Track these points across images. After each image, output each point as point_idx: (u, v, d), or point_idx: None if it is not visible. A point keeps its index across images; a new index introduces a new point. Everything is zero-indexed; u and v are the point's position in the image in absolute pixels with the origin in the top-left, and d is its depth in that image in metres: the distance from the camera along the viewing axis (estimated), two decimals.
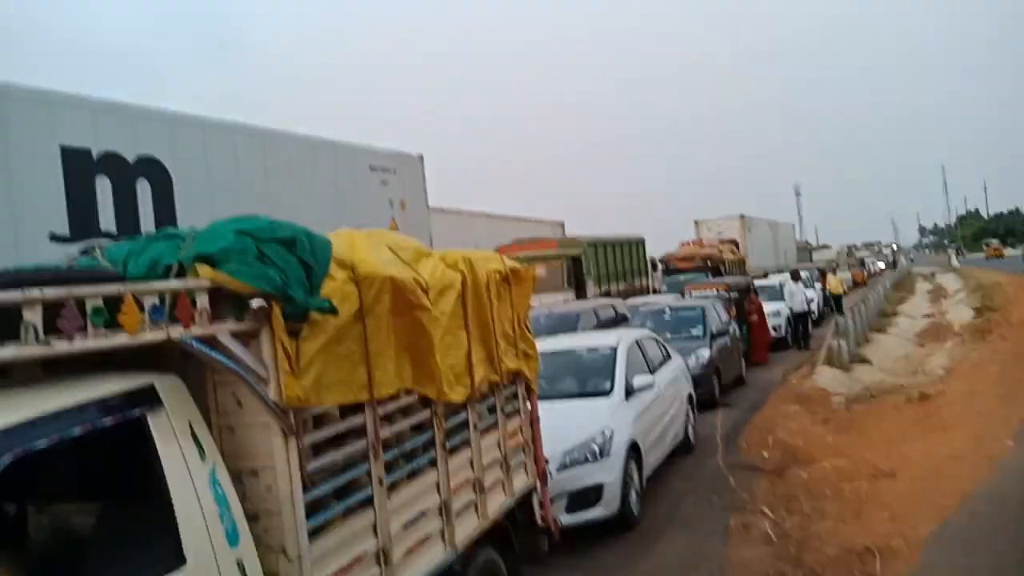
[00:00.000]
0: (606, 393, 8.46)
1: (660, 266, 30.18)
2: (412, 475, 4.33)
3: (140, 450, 2.97)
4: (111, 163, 6.34)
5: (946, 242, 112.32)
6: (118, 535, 3.01)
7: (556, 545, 6.24)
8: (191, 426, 3.17)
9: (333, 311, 3.62)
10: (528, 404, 5.98)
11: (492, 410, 5.38)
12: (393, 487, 4.11)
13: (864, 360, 16.92)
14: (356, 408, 3.90)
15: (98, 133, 6.26)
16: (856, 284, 43.52)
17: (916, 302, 34.26)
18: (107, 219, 6.23)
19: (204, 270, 3.27)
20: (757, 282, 22.60)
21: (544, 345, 8.64)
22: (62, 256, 4.17)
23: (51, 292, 2.69)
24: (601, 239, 25.81)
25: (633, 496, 7.83)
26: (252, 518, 3.29)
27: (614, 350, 9.04)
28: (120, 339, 2.88)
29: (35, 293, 2.65)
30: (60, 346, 2.70)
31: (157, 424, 3.03)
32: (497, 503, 5.23)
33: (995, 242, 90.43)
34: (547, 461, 6.33)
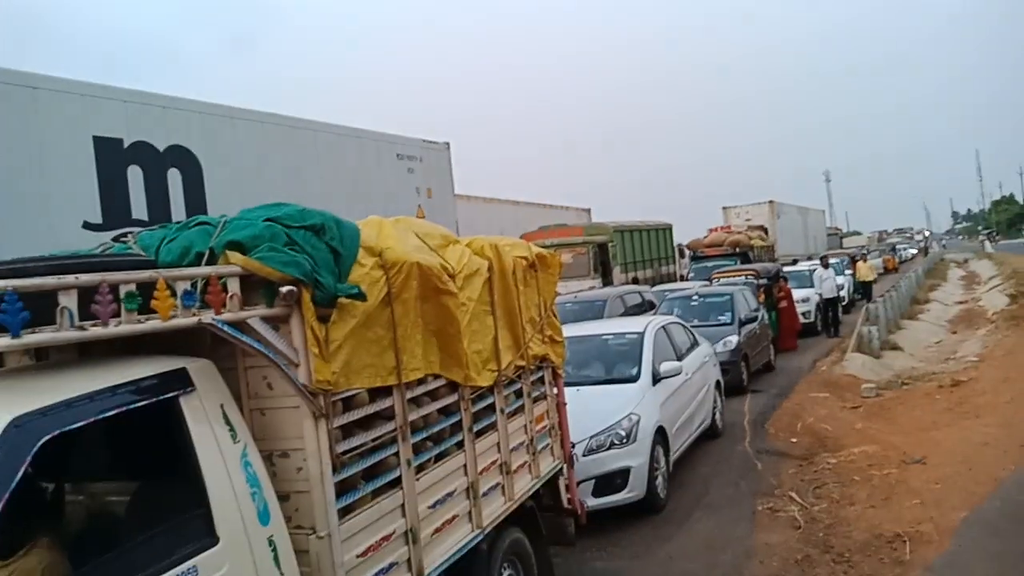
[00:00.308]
0: (633, 379, 8.47)
1: (688, 253, 30.03)
2: (440, 457, 4.39)
3: (173, 431, 3.05)
4: (142, 152, 6.44)
5: (979, 228, 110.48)
6: (152, 513, 3.08)
7: (583, 528, 6.28)
8: (223, 408, 3.24)
9: (361, 297, 3.67)
10: (555, 389, 6.01)
11: (519, 394, 5.42)
12: (421, 469, 4.17)
13: (895, 347, 16.77)
14: (385, 391, 3.95)
15: (129, 123, 6.36)
16: (887, 271, 42.97)
17: (949, 289, 33.83)
18: (139, 207, 6.34)
19: (235, 257, 3.34)
20: (786, 268, 22.40)
21: (571, 331, 8.67)
22: (95, 244, 4.25)
23: (86, 278, 2.76)
24: (628, 225, 25.73)
25: (660, 480, 7.85)
26: (283, 498, 3.37)
27: (641, 336, 9.04)
28: (153, 324, 2.95)
29: (70, 279, 2.72)
30: (95, 330, 2.77)
31: (190, 406, 3.10)
32: (523, 485, 5.28)
33: None
34: (573, 445, 6.38)
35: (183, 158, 6.81)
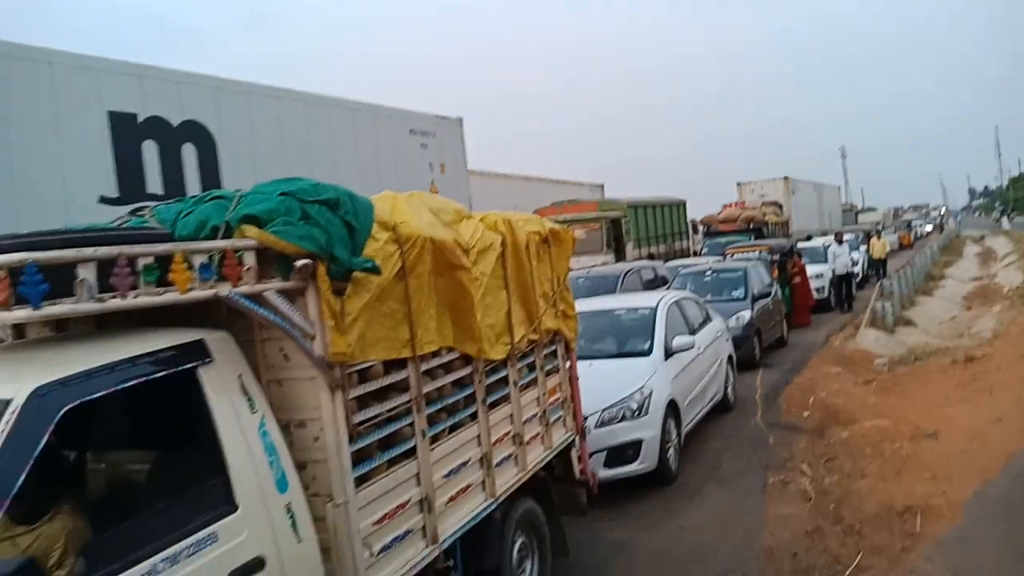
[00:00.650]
0: (646, 353, 8.51)
1: (701, 228, 29.93)
2: (454, 428, 4.45)
3: (192, 401, 3.11)
4: (157, 127, 6.47)
5: (997, 204, 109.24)
6: (172, 481, 3.15)
7: (594, 498, 6.36)
8: (241, 379, 3.29)
9: (376, 270, 3.71)
10: (567, 362, 6.05)
11: (531, 368, 5.46)
12: (435, 439, 4.23)
13: (909, 323, 16.70)
14: (400, 364, 4.00)
15: (144, 98, 6.39)
16: (902, 247, 42.65)
17: (964, 265, 33.59)
18: (154, 182, 6.38)
19: (251, 230, 3.37)
20: (800, 244, 22.30)
21: (584, 306, 8.71)
22: (112, 218, 4.31)
23: (104, 250, 2.80)
24: (641, 201, 25.68)
25: (671, 452, 7.91)
26: (300, 467, 3.43)
27: (654, 311, 9.07)
28: (170, 296, 3.00)
29: (89, 252, 2.77)
30: (113, 302, 2.82)
31: (208, 377, 3.16)
32: (536, 456, 5.35)
33: None
34: (586, 418, 6.43)
35: (198, 133, 6.85)
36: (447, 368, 4.45)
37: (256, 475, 3.19)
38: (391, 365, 3.96)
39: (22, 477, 2.43)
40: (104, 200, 5.76)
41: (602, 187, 31.06)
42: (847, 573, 5.68)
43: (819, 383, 11.17)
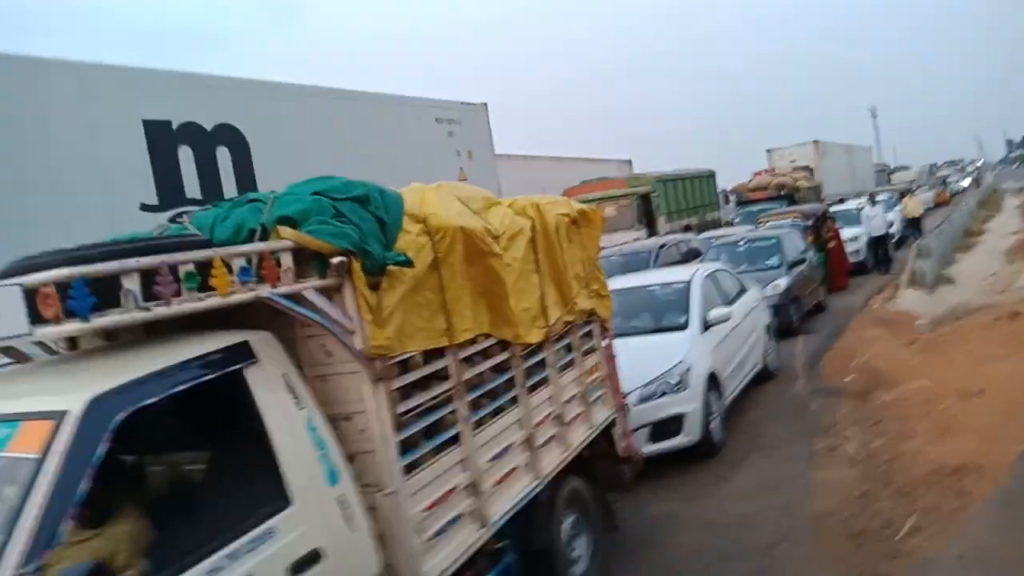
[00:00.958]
0: (682, 327, 8.52)
1: (732, 198, 29.67)
2: (496, 413, 4.53)
3: (241, 401, 3.20)
4: (191, 133, 6.58)
5: None
6: (227, 480, 3.25)
7: (640, 474, 6.41)
8: (285, 377, 3.39)
9: (409, 263, 3.78)
10: (604, 341, 6.09)
11: (569, 349, 5.51)
12: (478, 424, 4.31)
13: (949, 281, 16.44)
14: (438, 353, 4.08)
15: (176, 105, 6.50)
16: (938, 204, 41.87)
17: (1003, 219, 32.81)
18: (191, 187, 6.49)
19: (286, 231, 3.47)
20: (834, 208, 22.02)
21: (619, 283, 8.72)
22: (153, 225, 4.42)
23: (146, 261, 2.90)
24: (670, 175, 25.55)
25: (714, 424, 7.93)
26: (349, 459, 3.53)
27: (688, 284, 9.06)
28: (213, 300, 3.09)
29: (132, 263, 2.86)
30: (158, 310, 2.92)
31: (254, 377, 3.25)
32: (579, 436, 5.41)
33: None
34: (627, 395, 6.47)
35: (231, 136, 6.95)
36: (485, 354, 4.52)
37: (308, 470, 3.29)
38: (430, 355, 4.03)
39: (85, 485, 2.53)
40: (144, 207, 5.89)
41: (630, 163, 30.95)
42: (901, 534, 5.66)
43: (860, 347, 11.08)
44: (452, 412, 4.11)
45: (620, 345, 6.38)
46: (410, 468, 3.74)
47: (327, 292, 3.51)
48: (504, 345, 4.66)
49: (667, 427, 7.45)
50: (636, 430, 6.80)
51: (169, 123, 6.38)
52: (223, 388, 3.16)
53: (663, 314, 8.95)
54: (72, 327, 2.74)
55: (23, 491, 2.48)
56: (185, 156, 6.51)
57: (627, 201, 21.64)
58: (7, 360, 3.47)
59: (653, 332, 8.63)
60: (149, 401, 2.84)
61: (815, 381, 9.99)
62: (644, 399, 7.39)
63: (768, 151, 37.33)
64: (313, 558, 3.19)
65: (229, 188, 6.78)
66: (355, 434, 3.60)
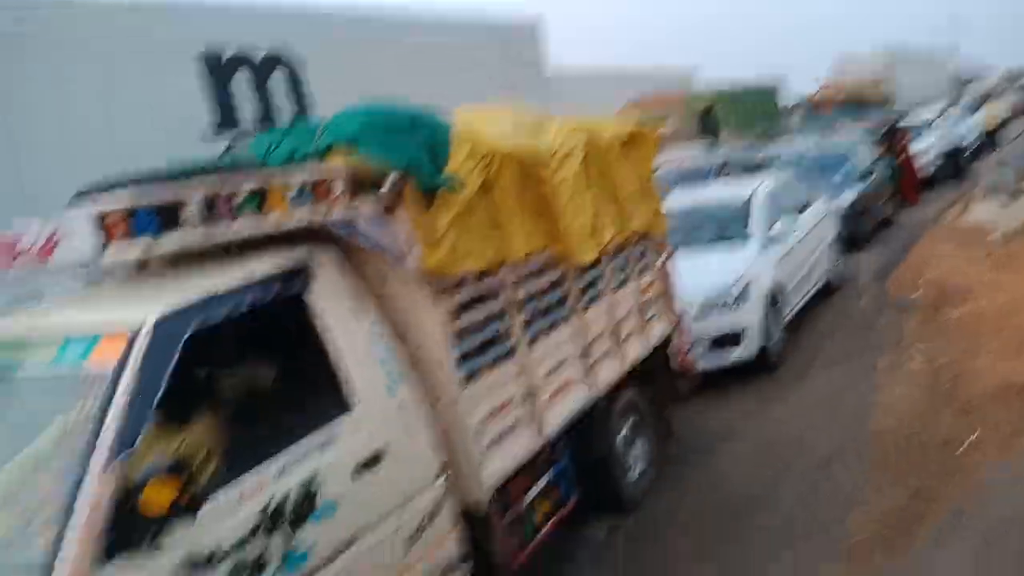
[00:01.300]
0: (744, 241, 8.42)
1: (800, 109, 28.74)
2: (551, 327, 4.60)
3: (306, 315, 3.38)
4: (243, 62, 6.64)
5: None
6: (293, 389, 3.43)
7: (699, 387, 6.48)
8: (347, 292, 3.55)
9: (460, 186, 3.82)
10: (660, 258, 6.08)
11: (623, 267, 5.53)
12: (534, 340, 4.41)
13: None
14: (493, 272, 4.17)
15: (229, 34, 6.55)
16: (1017, 114, 39.76)
17: None
18: (245, 116, 6.58)
19: (338, 156, 3.53)
20: (905, 119, 21.20)
21: (681, 197, 8.64)
22: (210, 154, 4.52)
23: (206, 183, 3.01)
24: (733, 88, 24.82)
25: (774, 339, 7.87)
26: (409, 369, 3.69)
27: (751, 198, 8.92)
28: (271, 220, 3.20)
29: (193, 185, 3.00)
30: (220, 231, 3.03)
31: (318, 292, 3.42)
32: (635, 350, 5.48)
33: None
34: (685, 310, 6.47)
35: (282, 64, 6.99)
36: (539, 272, 4.58)
37: (369, 379, 3.47)
38: (485, 273, 4.11)
39: (161, 392, 2.73)
40: (202, 138, 6.00)
41: (692, 75, 30.07)
42: (960, 450, 5.60)
43: (930, 261, 10.79)
44: (507, 327, 4.21)
45: (682, 259, 6.38)
46: (467, 379, 3.87)
47: (381, 215, 3.58)
48: (558, 263, 4.70)
49: (726, 342, 7.45)
50: (695, 344, 6.82)
51: (221, 54, 6.44)
52: (289, 303, 3.33)
53: (726, 228, 8.81)
54: (138, 249, 2.87)
55: (106, 397, 2.68)
56: (238, 85, 6.58)
57: (688, 114, 21.19)
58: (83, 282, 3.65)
59: (715, 246, 8.54)
60: (219, 317, 3.04)
61: (882, 296, 9.80)
62: (704, 313, 7.38)
63: (838, 61, 35.87)
64: (376, 459, 3.39)
65: (283, 115, 6.85)
66: (414, 348, 3.74)
